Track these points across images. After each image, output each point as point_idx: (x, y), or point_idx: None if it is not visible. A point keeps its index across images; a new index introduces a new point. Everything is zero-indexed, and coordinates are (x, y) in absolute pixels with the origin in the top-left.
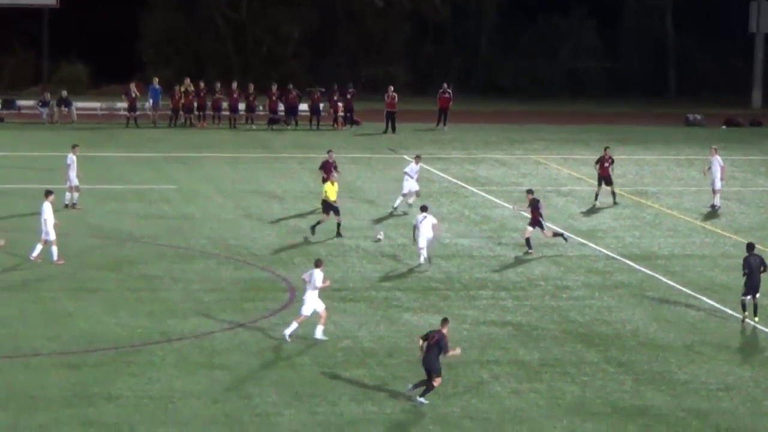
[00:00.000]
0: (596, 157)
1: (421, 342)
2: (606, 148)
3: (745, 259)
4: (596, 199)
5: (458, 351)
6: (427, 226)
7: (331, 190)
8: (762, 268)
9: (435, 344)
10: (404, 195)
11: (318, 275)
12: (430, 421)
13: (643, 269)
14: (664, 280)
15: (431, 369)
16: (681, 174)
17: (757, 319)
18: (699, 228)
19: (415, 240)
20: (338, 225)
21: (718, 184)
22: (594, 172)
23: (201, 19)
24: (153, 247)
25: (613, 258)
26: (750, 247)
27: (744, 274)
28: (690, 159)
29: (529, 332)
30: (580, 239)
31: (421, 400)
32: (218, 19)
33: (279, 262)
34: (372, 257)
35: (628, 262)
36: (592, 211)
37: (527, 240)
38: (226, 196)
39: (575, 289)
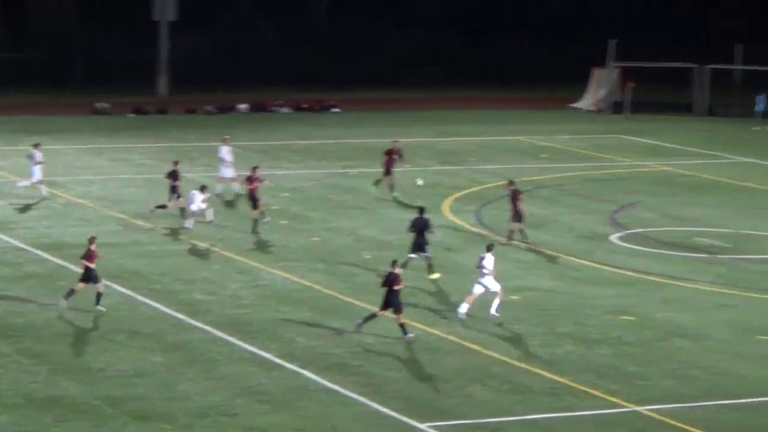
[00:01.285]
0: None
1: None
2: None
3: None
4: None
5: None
6: None
7: None
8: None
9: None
10: None
11: (490, 259)
12: None
13: (54, 259)
14: (77, 269)
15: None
16: (89, 163)
17: (436, 275)
18: (109, 216)
19: None
20: None
21: (229, 173)
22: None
23: None
24: None
25: (23, 249)
26: (420, 210)
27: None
28: (98, 148)
29: None
30: None
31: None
32: None
33: None
34: None
35: (39, 252)
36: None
37: None
38: None
39: None
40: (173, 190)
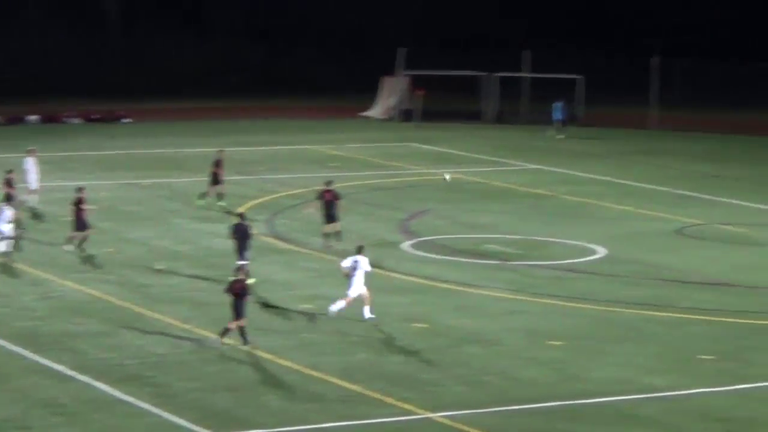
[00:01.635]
0: None
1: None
2: None
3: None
4: None
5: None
6: None
7: None
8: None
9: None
10: None
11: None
12: None
13: None
14: None
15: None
16: None
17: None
18: None
19: None
20: None
21: (34, 185)
22: None
23: None
24: None
25: None
26: (240, 216)
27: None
28: None
29: None
30: None
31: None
32: None
33: None
34: None
35: None
36: None
37: None
38: None
39: None
40: None
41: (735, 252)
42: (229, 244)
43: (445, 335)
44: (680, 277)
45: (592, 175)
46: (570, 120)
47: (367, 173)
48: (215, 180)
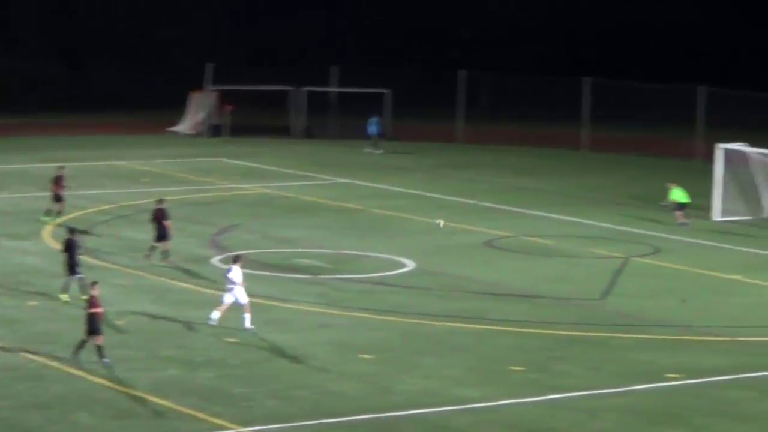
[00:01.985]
0: None
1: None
2: None
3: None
4: None
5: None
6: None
7: None
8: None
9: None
10: None
11: (237, 271)
12: None
13: None
14: None
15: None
16: None
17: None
18: None
19: None
20: None
21: None
22: None
23: None
24: None
25: None
26: (71, 230)
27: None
28: None
29: None
30: None
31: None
32: None
33: None
34: None
35: None
36: None
37: None
38: None
39: None
40: None
41: (542, 264)
42: (38, 261)
43: (256, 349)
44: (490, 290)
45: (401, 189)
46: (379, 135)
47: (176, 188)
48: (57, 197)
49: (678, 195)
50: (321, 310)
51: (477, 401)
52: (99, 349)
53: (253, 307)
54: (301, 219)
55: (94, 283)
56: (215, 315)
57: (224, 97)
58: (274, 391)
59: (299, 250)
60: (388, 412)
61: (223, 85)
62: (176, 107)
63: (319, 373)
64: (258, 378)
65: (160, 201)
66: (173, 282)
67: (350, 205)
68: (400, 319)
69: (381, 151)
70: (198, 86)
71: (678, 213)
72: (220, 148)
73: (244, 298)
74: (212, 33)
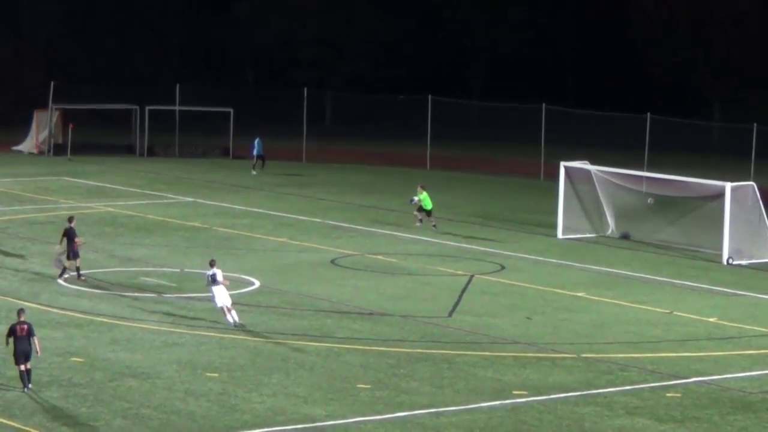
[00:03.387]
0: None
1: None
2: None
3: None
4: None
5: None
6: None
7: None
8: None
9: (28, 333)
10: None
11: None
12: None
13: None
14: None
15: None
16: None
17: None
18: None
19: None
20: None
21: None
22: None
23: None
24: None
25: None
26: None
27: None
28: None
29: None
30: None
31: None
32: None
33: None
34: None
35: None
36: None
37: None
38: None
39: None
40: None
41: (388, 282)
42: None
43: (102, 369)
44: (335, 308)
45: (246, 208)
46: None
47: (19, 207)
48: None
49: (425, 200)
50: (167, 329)
51: (325, 419)
52: (28, 374)
53: (99, 326)
54: (146, 238)
55: (21, 310)
56: (230, 318)
57: (67, 116)
58: (122, 411)
59: (144, 268)
60: (236, 431)
61: (66, 103)
62: (20, 126)
63: (167, 392)
64: (105, 397)
65: (70, 219)
66: (18, 301)
67: (195, 224)
68: (246, 338)
69: (258, 171)
70: (43, 105)
71: (417, 213)
72: (63, 167)
73: (226, 299)
74: (56, 51)
